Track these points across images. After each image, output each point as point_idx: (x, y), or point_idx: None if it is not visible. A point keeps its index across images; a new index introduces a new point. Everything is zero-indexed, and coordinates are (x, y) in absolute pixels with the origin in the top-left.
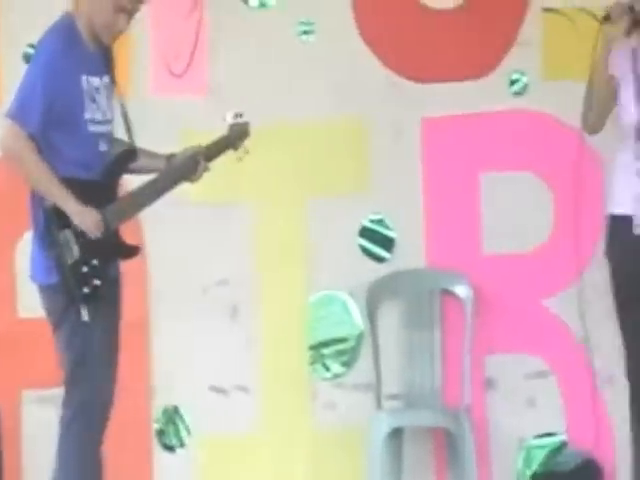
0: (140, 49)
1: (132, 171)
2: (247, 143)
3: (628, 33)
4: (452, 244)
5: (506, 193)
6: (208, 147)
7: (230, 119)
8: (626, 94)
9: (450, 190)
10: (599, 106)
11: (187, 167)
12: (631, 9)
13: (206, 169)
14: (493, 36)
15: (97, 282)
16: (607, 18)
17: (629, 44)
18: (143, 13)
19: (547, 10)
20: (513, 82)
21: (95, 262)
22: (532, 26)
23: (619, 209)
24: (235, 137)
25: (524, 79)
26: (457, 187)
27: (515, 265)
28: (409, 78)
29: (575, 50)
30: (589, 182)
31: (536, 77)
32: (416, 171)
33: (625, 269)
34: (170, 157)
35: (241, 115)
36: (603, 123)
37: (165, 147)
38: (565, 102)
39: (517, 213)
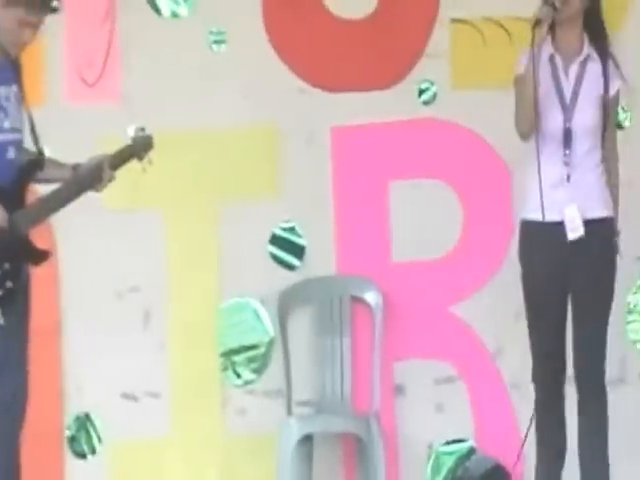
0: (54, 57)
1: (39, 180)
2: (151, 155)
3: (548, 33)
4: (362, 251)
5: (415, 201)
6: (113, 156)
7: (132, 132)
8: (548, 101)
9: (360, 198)
10: (532, 110)
11: (92, 176)
12: (553, 7)
13: (111, 178)
14: (402, 46)
15: (10, 284)
16: (539, 22)
17: (547, 50)
18: (56, 22)
19: (455, 21)
20: (422, 91)
21: (7, 266)
22: (441, 36)
23: (537, 215)
24: (139, 148)
25: (433, 88)
26: (367, 195)
27: (424, 272)
28: (319, 87)
29: (483, 60)
30: (497, 189)
31: (445, 86)
32: (326, 179)
33: (538, 273)
34: (76, 166)
35: (143, 129)
36: (534, 127)
37: (80, 154)
38: (473, 111)
39: (426, 221)
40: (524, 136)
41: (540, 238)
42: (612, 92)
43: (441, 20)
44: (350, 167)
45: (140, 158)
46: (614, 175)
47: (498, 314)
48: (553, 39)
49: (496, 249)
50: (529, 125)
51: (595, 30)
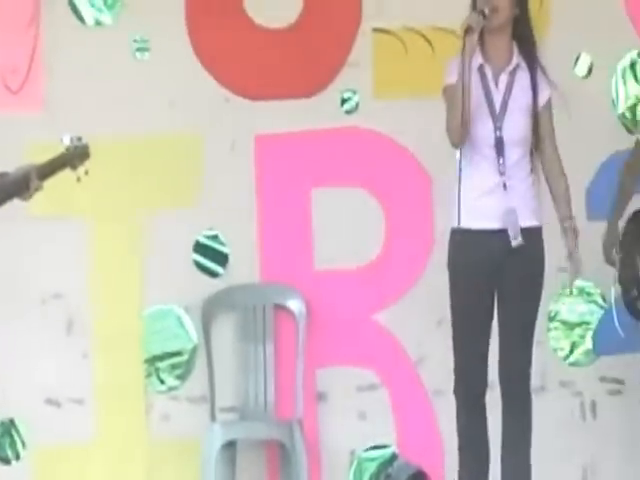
0: None
1: None
2: (87, 164)
3: (477, 43)
4: (285, 259)
5: (337, 209)
6: (42, 166)
7: (67, 141)
8: (479, 110)
9: (283, 206)
10: (464, 119)
11: (18, 185)
12: (483, 15)
13: (39, 188)
14: (325, 55)
15: None
16: (469, 30)
17: (476, 60)
18: None
19: (377, 30)
20: (344, 101)
21: None
22: (363, 46)
23: (471, 223)
24: (73, 157)
25: (355, 97)
26: (290, 203)
27: (346, 280)
28: (243, 95)
29: (404, 69)
30: (418, 197)
31: (367, 96)
32: (250, 187)
33: (469, 281)
34: (2, 175)
35: (80, 138)
36: (466, 136)
37: (6, 162)
38: (395, 120)
39: (348, 229)
40: (456, 145)
41: (473, 246)
42: (542, 101)
43: (363, 30)
44: (273, 175)
45: (74, 167)
46: (559, 178)
47: (420, 322)
48: (482, 48)
49: (418, 257)
50: (461, 134)
51: (524, 39)
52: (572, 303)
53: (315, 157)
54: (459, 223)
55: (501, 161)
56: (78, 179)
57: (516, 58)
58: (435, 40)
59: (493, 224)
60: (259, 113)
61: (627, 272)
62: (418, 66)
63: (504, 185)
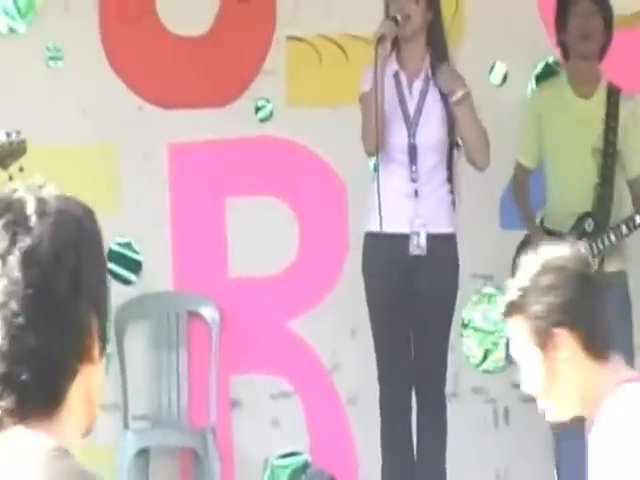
0: None
1: None
2: (22, 161)
3: (390, 50)
4: (199, 267)
5: (251, 217)
6: None
7: (1, 137)
8: (393, 117)
9: (197, 214)
10: (378, 127)
11: None
12: (395, 22)
13: None
14: (239, 63)
15: None
16: (382, 37)
17: (391, 66)
18: None
19: (291, 38)
20: (258, 109)
21: None
22: (277, 54)
23: (382, 227)
24: (4, 155)
25: (269, 106)
26: (203, 211)
27: (260, 288)
28: (156, 104)
29: (319, 77)
30: (333, 206)
31: (281, 104)
32: (164, 196)
33: (381, 286)
34: None
35: (18, 133)
36: (381, 144)
37: None
38: (309, 128)
39: (262, 237)
40: (371, 153)
41: (385, 251)
42: (457, 100)
43: (277, 37)
44: (187, 184)
45: (5, 166)
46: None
47: (335, 330)
48: (398, 55)
49: (332, 265)
50: (376, 142)
51: (436, 44)
52: (486, 310)
53: (229, 166)
54: (372, 227)
55: (414, 168)
56: (10, 178)
57: (429, 62)
58: (349, 48)
59: (404, 229)
60: (172, 122)
61: None
62: (332, 74)
63: (415, 192)
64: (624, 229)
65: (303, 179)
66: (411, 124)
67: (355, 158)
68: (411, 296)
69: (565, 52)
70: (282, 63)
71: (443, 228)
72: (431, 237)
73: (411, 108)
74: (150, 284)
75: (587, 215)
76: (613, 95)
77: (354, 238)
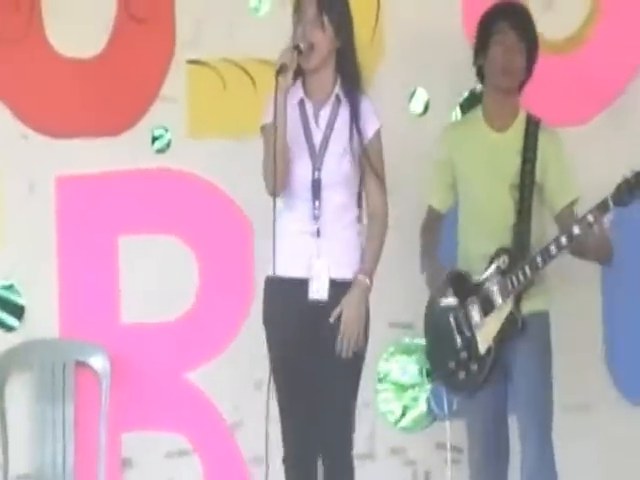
0: None
1: None
2: None
3: (295, 78)
4: (88, 312)
5: (147, 258)
6: None
7: None
8: (297, 149)
9: (87, 254)
10: (284, 162)
11: None
12: (297, 49)
13: None
14: (134, 89)
15: None
16: (283, 68)
17: (296, 94)
18: None
19: (192, 62)
20: (155, 139)
21: None
22: (176, 79)
23: (281, 270)
24: None
25: (167, 135)
26: (94, 251)
27: (156, 335)
28: (43, 132)
29: (223, 105)
30: (237, 246)
31: (180, 134)
32: (50, 233)
33: (282, 335)
34: None
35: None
36: (283, 182)
37: None
38: (212, 161)
39: (158, 279)
40: (272, 193)
41: (284, 297)
42: (369, 134)
43: (177, 61)
44: (76, 220)
45: None
46: (375, 221)
47: (237, 383)
48: (304, 81)
49: (236, 311)
50: (275, 182)
51: (347, 71)
52: (404, 362)
53: (122, 201)
54: (273, 271)
55: (317, 204)
56: None
57: (338, 90)
58: (256, 73)
59: (302, 273)
60: (61, 152)
61: (440, 344)
62: (237, 102)
63: (317, 232)
64: (539, 261)
65: (204, 216)
66: (316, 157)
67: (263, 194)
68: (314, 347)
69: (481, 78)
70: (182, 89)
71: (349, 273)
72: (336, 283)
73: (317, 139)
74: (34, 330)
75: (502, 251)
76: (532, 126)
77: (260, 282)
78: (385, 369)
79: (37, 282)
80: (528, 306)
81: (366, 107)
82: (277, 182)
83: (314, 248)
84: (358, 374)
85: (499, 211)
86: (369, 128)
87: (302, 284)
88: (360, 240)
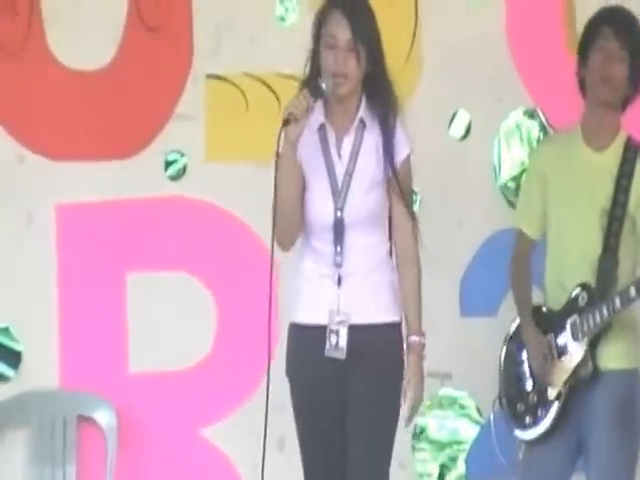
0: None
1: None
2: None
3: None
4: (92, 360)
5: (158, 298)
6: None
7: None
8: (317, 182)
9: (91, 293)
10: (294, 214)
11: None
12: (318, 93)
13: None
14: (145, 106)
15: None
16: (289, 120)
17: (317, 119)
18: None
19: (211, 77)
20: (169, 163)
21: None
22: (193, 96)
23: (304, 317)
24: None
25: (182, 160)
26: (99, 290)
27: (168, 386)
28: (42, 154)
29: (244, 125)
30: (259, 285)
31: (197, 158)
32: (50, 269)
33: (306, 388)
34: None
35: None
36: (298, 233)
37: None
38: (232, 189)
39: (171, 323)
40: (281, 248)
41: (307, 346)
42: (399, 160)
43: (195, 75)
44: (79, 254)
45: None
46: (409, 267)
47: (258, 440)
48: (325, 104)
49: (258, 358)
50: (283, 237)
51: (377, 93)
52: (442, 417)
53: (131, 233)
54: (294, 317)
55: (338, 249)
56: None
57: (362, 112)
58: (282, 90)
59: (324, 320)
60: (61, 177)
61: (511, 385)
62: (261, 122)
63: (338, 280)
64: (617, 303)
65: (223, 252)
66: (339, 194)
67: None
68: (342, 402)
69: (583, 91)
70: (199, 107)
71: (382, 317)
72: (366, 328)
73: (339, 173)
74: (31, 380)
75: (582, 287)
76: (630, 151)
77: (285, 327)
78: (421, 424)
79: (35, 325)
80: (610, 359)
81: (397, 128)
82: (283, 240)
83: (334, 299)
84: (392, 429)
85: (585, 239)
86: (399, 153)
87: (321, 333)
88: (392, 277)
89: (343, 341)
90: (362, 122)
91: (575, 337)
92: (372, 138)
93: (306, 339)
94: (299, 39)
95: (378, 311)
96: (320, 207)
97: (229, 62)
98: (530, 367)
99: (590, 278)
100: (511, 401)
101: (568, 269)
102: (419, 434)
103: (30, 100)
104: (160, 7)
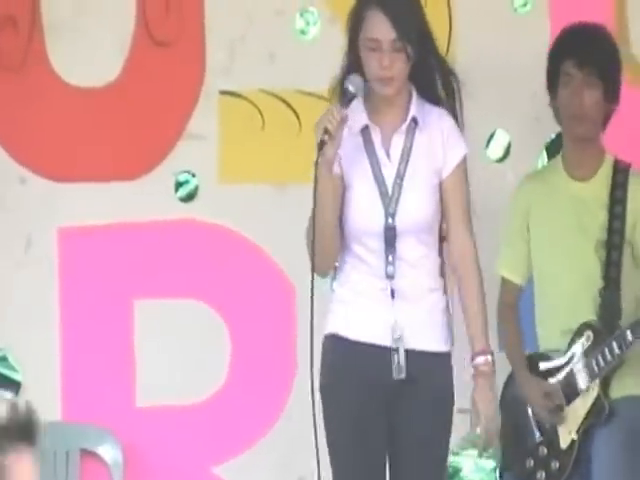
0: None
1: None
2: None
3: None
4: (96, 391)
5: (167, 327)
6: None
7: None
8: (362, 186)
9: (96, 321)
10: (334, 240)
11: None
12: (346, 97)
13: None
14: (154, 124)
15: None
16: (324, 142)
17: (359, 119)
18: None
19: (225, 93)
20: (180, 185)
21: None
22: (206, 113)
23: (347, 331)
24: None
25: (194, 181)
26: (105, 318)
27: (178, 420)
28: (43, 175)
29: (260, 145)
30: (276, 312)
31: (210, 179)
32: (51, 295)
33: (345, 410)
34: None
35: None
36: (337, 258)
37: None
38: (246, 212)
39: (182, 353)
40: (323, 272)
41: (353, 360)
42: (454, 161)
43: (207, 92)
44: (83, 280)
45: None
46: (470, 276)
47: (274, 478)
48: (367, 101)
49: (275, 392)
50: (326, 259)
51: (428, 83)
52: (477, 457)
53: (139, 258)
54: (334, 329)
55: (390, 259)
56: None
57: (415, 111)
58: (302, 108)
59: (377, 339)
60: (65, 199)
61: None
62: (279, 142)
63: (392, 293)
64: (629, 336)
65: (238, 278)
66: (389, 199)
67: (307, 252)
68: (386, 431)
69: (559, 121)
70: (212, 125)
71: (432, 344)
72: (418, 354)
73: (388, 176)
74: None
75: (586, 327)
76: (620, 174)
77: (304, 355)
78: (455, 464)
79: (36, 354)
80: (619, 389)
81: (451, 126)
82: (322, 266)
83: (390, 314)
84: (442, 469)
85: (583, 275)
86: (455, 153)
87: (375, 350)
88: (445, 300)
89: (402, 360)
90: (414, 120)
91: (587, 380)
92: (425, 137)
93: (355, 355)
94: (321, 54)
95: (431, 339)
96: (367, 212)
97: (244, 78)
98: (535, 418)
99: (592, 315)
100: (517, 459)
101: (566, 309)
102: (453, 475)
103: (31, 118)
104: (170, 20)
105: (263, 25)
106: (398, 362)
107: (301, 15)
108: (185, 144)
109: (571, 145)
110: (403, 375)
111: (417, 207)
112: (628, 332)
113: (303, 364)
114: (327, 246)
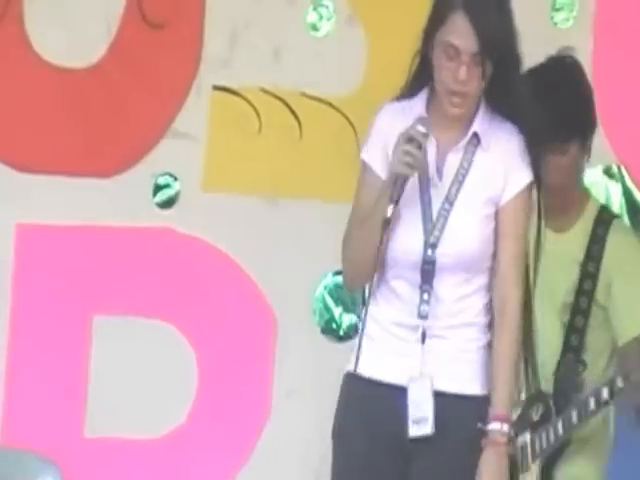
0: None
1: None
2: None
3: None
4: (41, 416)
5: (130, 348)
6: None
7: None
8: (405, 207)
9: (49, 336)
10: (370, 265)
11: None
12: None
13: None
14: (137, 117)
15: None
16: (407, 180)
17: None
18: None
19: (220, 89)
20: (159, 188)
21: None
22: (196, 109)
23: (368, 370)
24: None
25: (175, 185)
26: (59, 332)
27: (131, 457)
28: (5, 162)
29: (254, 151)
30: (254, 339)
31: (193, 185)
32: (2, 301)
33: (357, 453)
34: None
35: None
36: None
37: None
38: (230, 225)
39: (143, 380)
40: (349, 288)
41: (372, 401)
42: (516, 189)
43: (199, 86)
44: (39, 287)
45: None
46: (506, 329)
47: None
48: (426, 111)
49: (243, 435)
50: (358, 278)
51: (503, 101)
52: None
53: (105, 268)
54: (356, 367)
55: (425, 297)
56: None
57: (478, 124)
58: (305, 113)
59: (396, 379)
60: (27, 191)
61: None
62: (275, 148)
63: (423, 335)
64: (574, 417)
65: (213, 300)
66: (432, 226)
67: (296, 279)
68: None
69: None
70: (202, 123)
71: (466, 386)
72: (445, 397)
73: (436, 199)
74: None
75: (536, 398)
76: (601, 226)
77: (281, 392)
78: None
79: None
80: (564, 470)
81: (519, 147)
82: (353, 282)
83: (416, 358)
84: None
85: (547, 340)
86: (517, 178)
87: (397, 392)
88: (487, 339)
89: (428, 413)
90: (476, 136)
91: (529, 458)
92: (487, 158)
93: (369, 397)
94: (332, 54)
95: (465, 380)
96: (406, 239)
97: (243, 73)
98: None
99: (550, 386)
100: None
101: (536, 374)
102: None
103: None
104: (166, 1)
105: (271, 13)
106: (419, 420)
107: (314, 8)
108: (169, 143)
109: (549, 191)
110: (428, 433)
111: (463, 240)
112: (574, 414)
113: (278, 407)
114: (361, 269)
